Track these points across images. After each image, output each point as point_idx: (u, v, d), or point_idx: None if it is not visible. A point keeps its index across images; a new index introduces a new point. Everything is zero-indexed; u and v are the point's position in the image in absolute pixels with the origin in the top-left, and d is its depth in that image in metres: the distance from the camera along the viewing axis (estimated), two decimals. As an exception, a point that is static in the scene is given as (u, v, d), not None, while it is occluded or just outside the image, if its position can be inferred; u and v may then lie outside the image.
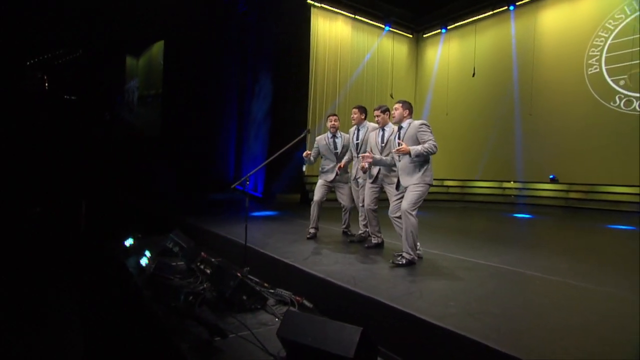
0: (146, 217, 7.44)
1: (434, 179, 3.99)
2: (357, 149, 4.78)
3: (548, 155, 10.33)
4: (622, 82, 9.39)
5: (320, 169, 5.37)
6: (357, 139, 4.78)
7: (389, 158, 4.15)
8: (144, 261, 4.03)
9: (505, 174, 10.90)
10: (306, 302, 3.26)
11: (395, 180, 4.07)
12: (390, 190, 4.23)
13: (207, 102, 12.72)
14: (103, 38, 15.35)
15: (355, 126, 4.90)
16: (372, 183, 4.43)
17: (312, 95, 11.94)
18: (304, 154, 5.11)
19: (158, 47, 15.56)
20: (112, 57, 17.12)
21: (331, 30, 12.42)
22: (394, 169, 4.16)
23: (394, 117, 4.05)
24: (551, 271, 3.55)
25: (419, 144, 3.77)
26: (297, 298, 3.30)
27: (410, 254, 3.76)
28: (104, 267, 4.85)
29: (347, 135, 5.15)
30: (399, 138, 3.94)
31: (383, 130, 4.42)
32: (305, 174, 11.45)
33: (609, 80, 9.63)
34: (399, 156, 3.91)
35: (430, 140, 3.72)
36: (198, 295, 3.15)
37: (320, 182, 5.30)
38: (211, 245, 4.97)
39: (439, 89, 12.95)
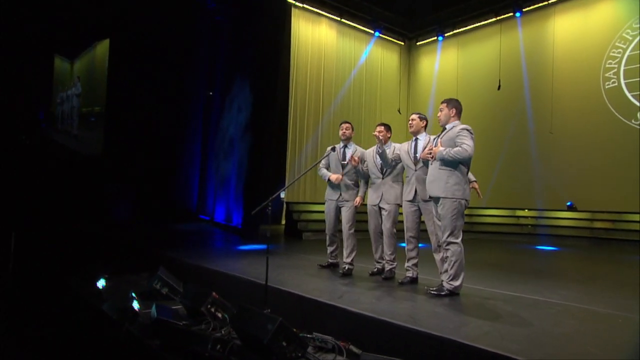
0: (108, 251, 7.16)
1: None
2: (382, 171, 4.86)
3: (566, 180, 10.88)
4: (643, 98, 10.15)
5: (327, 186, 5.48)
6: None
7: None
8: (135, 305, 3.86)
9: (518, 201, 11.34)
10: (353, 348, 3.22)
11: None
12: (427, 211, 4.35)
13: (166, 115, 12.57)
14: (17, 29, 14.36)
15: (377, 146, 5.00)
16: (410, 202, 4.51)
17: (292, 108, 12.08)
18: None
19: (102, 48, 15.26)
20: (32, 57, 16.25)
21: (314, 35, 12.76)
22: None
23: (439, 118, 4.17)
24: (623, 308, 3.72)
25: None
26: (342, 343, 3.26)
27: (451, 284, 3.90)
28: (70, 314, 4.59)
29: (361, 149, 5.26)
30: (438, 139, 4.07)
31: (416, 140, 4.55)
32: (285, 200, 11.43)
33: (628, 95, 10.38)
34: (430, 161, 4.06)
35: (464, 143, 3.81)
36: (226, 342, 3.06)
37: (326, 206, 5.37)
38: (206, 285, 4.83)
39: (440, 103, 13.45)
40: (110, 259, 6.55)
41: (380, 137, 4.77)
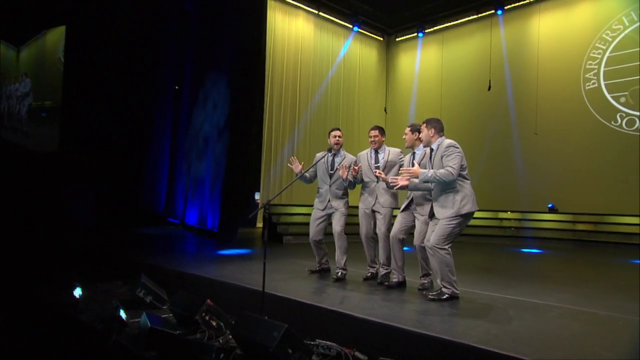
0: (74, 258, 7.00)
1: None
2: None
3: (547, 181, 11.31)
4: (622, 99, 10.66)
5: (316, 195, 5.52)
6: (377, 163, 4.99)
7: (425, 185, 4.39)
8: (122, 314, 3.83)
9: (501, 203, 11.69)
10: (359, 354, 3.31)
11: (428, 209, 4.32)
12: (420, 221, 4.50)
13: (130, 110, 12.32)
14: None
15: (371, 149, 5.10)
16: (402, 212, 4.64)
17: (267, 105, 12.07)
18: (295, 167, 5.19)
19: (56, 36, 14.81)
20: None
21: (291, 28, 12.80)
22: (428, 197, 4.40)
23: (420, 139, 4.41)
24: (622, 310, 3.96)
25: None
26: (347, 349, 3.34)
27: (449, 288, 4.07)
28: (45, 325, 4.49)
29: (351, 156, 5.34)
30: (430, 161, 4.23)
31: (414, 153, 4.69)
32: (264, 202, 11.42)
33: (608, 96, 10.89)
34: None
35: (449, 166, 3.98)
36: (229, 351, 3.10)
37: (312, 214, 5.40)
38: (192, 292, 4.82)
39: (422, 103, 13.77)
40: (78, 267, 6.42)
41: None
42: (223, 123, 9.46)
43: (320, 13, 13.28)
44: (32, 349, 3.98)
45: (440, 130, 4.26)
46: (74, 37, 13.44)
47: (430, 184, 4.20)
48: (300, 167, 5.17)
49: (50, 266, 6.47)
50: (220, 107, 9.72)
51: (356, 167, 4.95)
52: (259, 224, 11.09)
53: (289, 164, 5.32)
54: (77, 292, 4.70)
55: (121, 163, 12.18)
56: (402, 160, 4.88)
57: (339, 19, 13.75)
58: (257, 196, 12.20)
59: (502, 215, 11.67)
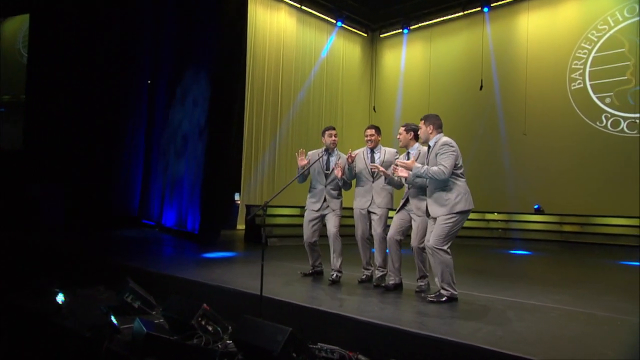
0: (50, 262, 6.88)
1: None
2: (373, 174, 5.07)
3: (534, 182, 11.63)
4: (607, 100, 11.03)
5: (308, 196, 5.55)
6: (373, 162, 5.08)
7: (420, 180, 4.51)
8: (114, 320, 3.82)
9: (487, 204, 11.93)
10: (362, 357, 3.39)
11: (424, 208, 4.43)
12: (417, 222, 4.61)
13: (101, 105, 12.14)
14: None
15: (367, 148, 5.19)
16: (398, 212, 4.75)
17: (248, 102, 12.05)
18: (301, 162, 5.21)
19: (15, 24, 14.47)
20: None
21: (272, 23, 12.81)
22: (422, 197, 4.50)
23: (420, 135, 4.52)
24: (619, 311, 4.14)
25: None
26: (350, 353, 3.41)
27: (448, 290, 4.20)
28: (28, 334, 4.44)
29: (344, 155, 5.42)
30: (427, 158, 4.35)
31: (408, 153, 4.79)
32: (245, 203, 11.44)
33: (593, 97, 11.25)
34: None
35: (442, 164, 4.11)
36: (232, 355, 3.14)
37: (306, 215, 5.44)
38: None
39: (408, 101, 13.96)
40: (54, 271, 6.32)
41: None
42: (203, 121, 9.40)
43: (303, 7, 13.34)
44: (21, 357, 3.94)
45: (438, 127, 4.36)
46: (38, 26, 13.15)
47: (425, 181, 4.31)
48: (305, 161, 5.18)
49: (24, 270, 6.36)
50: (200, 104, 9.66)
51: (353, 156, 5.01)
52: (240, 226, 11.09)
53: (296, 153, 5.33)
54: (60, 298, 4.66)
55: (91, 161, 11.99)
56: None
57: (322, 14, 13.83)
58: (236, 197, 12.20)
59: (489, 216, 11.92)
